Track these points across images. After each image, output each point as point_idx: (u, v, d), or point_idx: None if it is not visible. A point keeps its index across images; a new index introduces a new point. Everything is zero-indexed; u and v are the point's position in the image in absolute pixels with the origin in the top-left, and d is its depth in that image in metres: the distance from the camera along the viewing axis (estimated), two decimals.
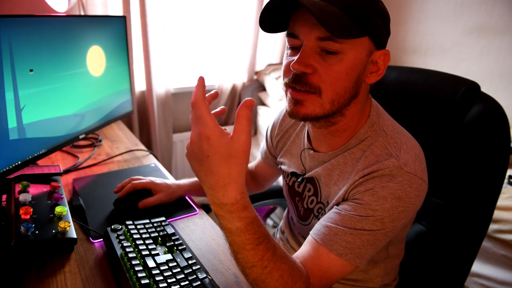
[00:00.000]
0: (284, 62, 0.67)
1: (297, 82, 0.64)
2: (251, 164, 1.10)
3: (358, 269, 0.81)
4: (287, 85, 0.66)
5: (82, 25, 1.16)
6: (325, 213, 0.75)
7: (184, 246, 0.75)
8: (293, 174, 0.84)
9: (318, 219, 0.77)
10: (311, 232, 0.69)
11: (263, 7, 0.63)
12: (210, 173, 0.52)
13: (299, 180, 0.83)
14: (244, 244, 0.56)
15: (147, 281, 0.63)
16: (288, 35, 0.65)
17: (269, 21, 0.65)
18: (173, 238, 0.77)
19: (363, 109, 0.71)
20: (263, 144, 1.01)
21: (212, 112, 0.57)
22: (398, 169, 0.65)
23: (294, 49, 0.66)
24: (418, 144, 0.72)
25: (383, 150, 0.68)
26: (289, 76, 0.65)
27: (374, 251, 0.66)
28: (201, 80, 0.54)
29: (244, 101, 0.53)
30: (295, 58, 0.63)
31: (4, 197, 0.82)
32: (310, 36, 0.61)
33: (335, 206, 0.69)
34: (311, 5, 0.57)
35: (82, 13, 1.87)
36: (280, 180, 1.00)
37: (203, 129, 0.51)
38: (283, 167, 0.89)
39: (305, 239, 0.86)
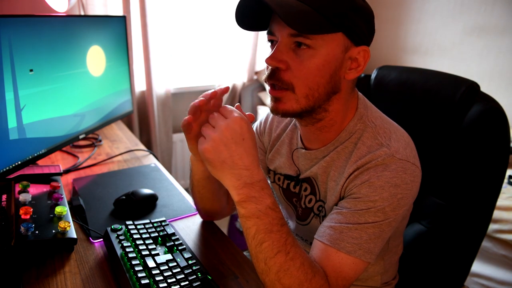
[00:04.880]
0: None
1: (271, 78, 0.66)
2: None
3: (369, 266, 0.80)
4: (266, 82, 0.69)
5: (82, 25, 1.16)
6: (325, 211, 0.75)
7: (184, 246, 0.75)
8: (287, 177, 0.84)
9: (319, 218, 0.77)
10: (315, 236, 0.68)
11: (236, 7, 0.65)
12: (246, 155, 0.57)
13: (294, 181, 0.82)
14: (271, 225, 0.58)
15: (147, 281, 0.63)
16: (268, 32, 0.69)
17: (244, 22, 0.68)
18: (173, 238, 0.77)
19: (348, 104, 0.73)
20: None
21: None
22: (390, 157, 0.66)
23: (272, 45, 0.69)
24: (406, 133, 0.74)
25: (374, 140, 0.70)
26: (267, 72, 0.68)
27: (381, 243, 0.66)
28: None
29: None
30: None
31: (4, 197, 0.82)
32: (283, 32, 0.64)
33: (335, 207, 0.69)
34: (277, 4, 0.59)
35: (82, 13, 1.87)
36: None
37: (237, 116, 0.57)
38: (270, 168, 0.89)
39: (303, 240, 0.86)
